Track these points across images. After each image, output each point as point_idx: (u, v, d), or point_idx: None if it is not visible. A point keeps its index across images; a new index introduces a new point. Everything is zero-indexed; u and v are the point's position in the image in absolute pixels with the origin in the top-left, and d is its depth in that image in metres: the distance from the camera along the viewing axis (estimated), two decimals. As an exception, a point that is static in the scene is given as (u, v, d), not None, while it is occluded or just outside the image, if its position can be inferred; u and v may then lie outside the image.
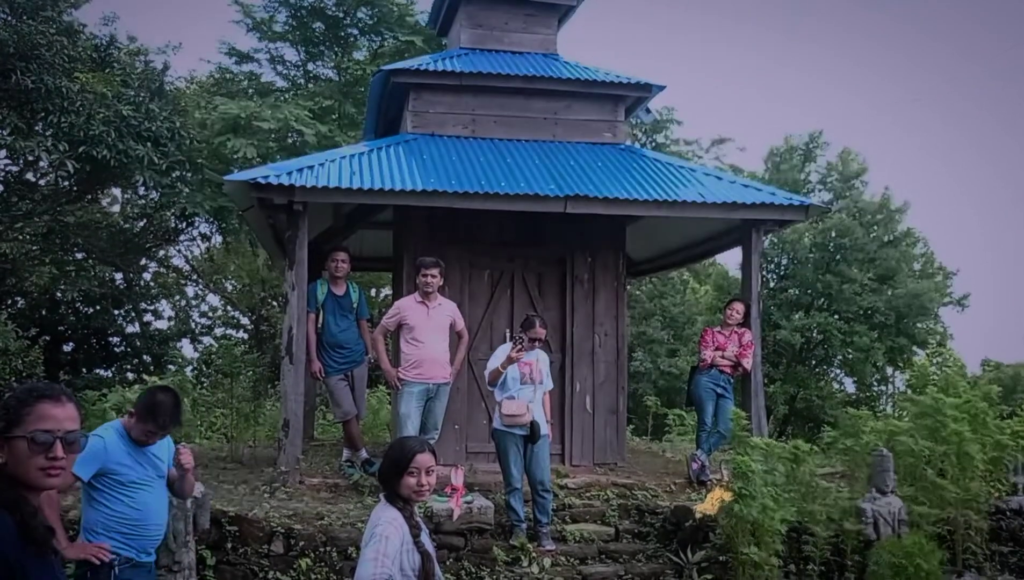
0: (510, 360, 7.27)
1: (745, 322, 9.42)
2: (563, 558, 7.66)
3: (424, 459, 3.81)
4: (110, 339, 22.42)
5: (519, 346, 7.24)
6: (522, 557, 7.56)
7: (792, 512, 7.51)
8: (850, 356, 21.09)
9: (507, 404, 7.35)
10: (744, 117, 63.77)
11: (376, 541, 3.62)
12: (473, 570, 7.33)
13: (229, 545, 6.90)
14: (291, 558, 6.98)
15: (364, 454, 8.97)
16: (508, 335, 9.89)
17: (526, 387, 7.47)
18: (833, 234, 21.01)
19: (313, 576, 6.93)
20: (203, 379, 21.16)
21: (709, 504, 7.73)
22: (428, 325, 8.13)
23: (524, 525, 7.55)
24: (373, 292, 22.78)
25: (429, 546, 3.80)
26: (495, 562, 7.42)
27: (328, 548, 7.05)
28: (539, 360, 7.62)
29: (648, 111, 11.24)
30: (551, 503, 7.74)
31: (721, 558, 7.14)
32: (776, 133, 41.19)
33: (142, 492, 4.77)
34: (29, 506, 2.53)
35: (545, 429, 7.64)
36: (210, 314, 26.26)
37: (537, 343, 7.48)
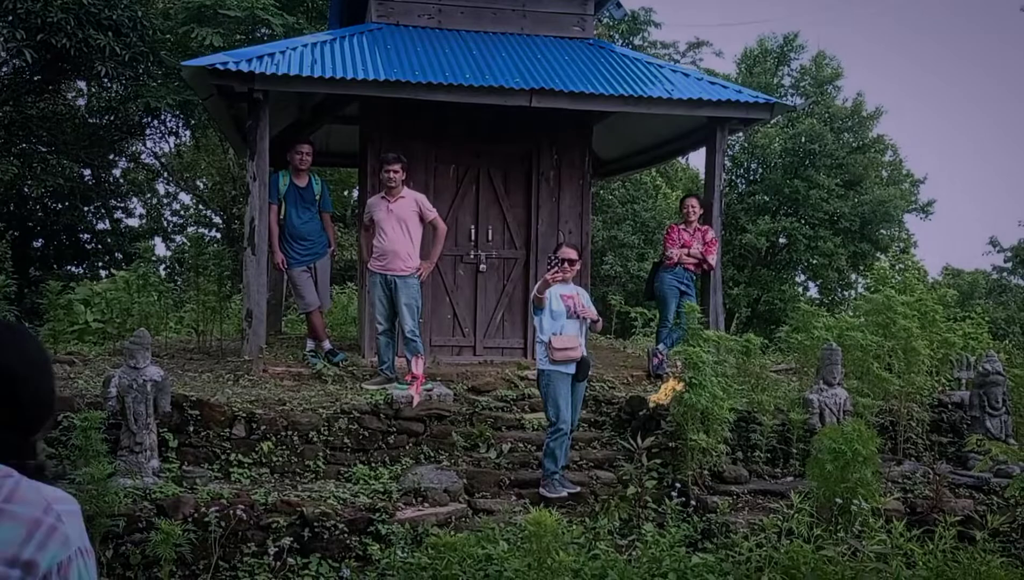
0: (545, 283, 7.03)
1: (707, 220, 9.54)
2: (521, 445, 7.89)
3: None
4: (80, 236, 22.28)
5: (553, 268, 7.00)
6: (480, 444, 7.80)
7: (741, 402, 7.78)
8: (814, 261, 21.40)
9: (557, 339, 7.01)
10: (726, 17, 62.71)
11: None
12: (432, 454, 7.56)
13: (191, 428, 7.05)
14: (252, 441, 7.14)
15: (328, 345, 9.12)
16: (473, 233, 9.96)
17: (572, 321, 7.17)
18: (803, 140, 21.01)
19: (274, 459, 7.11)
20: (176, 278, 21.15)
21: (662, 394, 7.96)
22: (389, 219, 8.21)
23: (560, 476, 7.16)
24: (345, 192, 22.66)
25: None
26: (454, 447, 7.65)
27: (290, 432, 7.22)
28: (579, 294, 7.40)
29: (619, 5, 11.07)
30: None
31: (671, 444, 7.39)
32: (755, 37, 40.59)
33: None
34: None
35: (592, 367, 7.35)
36: (182, 212, 26.09)
37: (570, 266, 7.21)
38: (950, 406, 8.78)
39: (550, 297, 7.12)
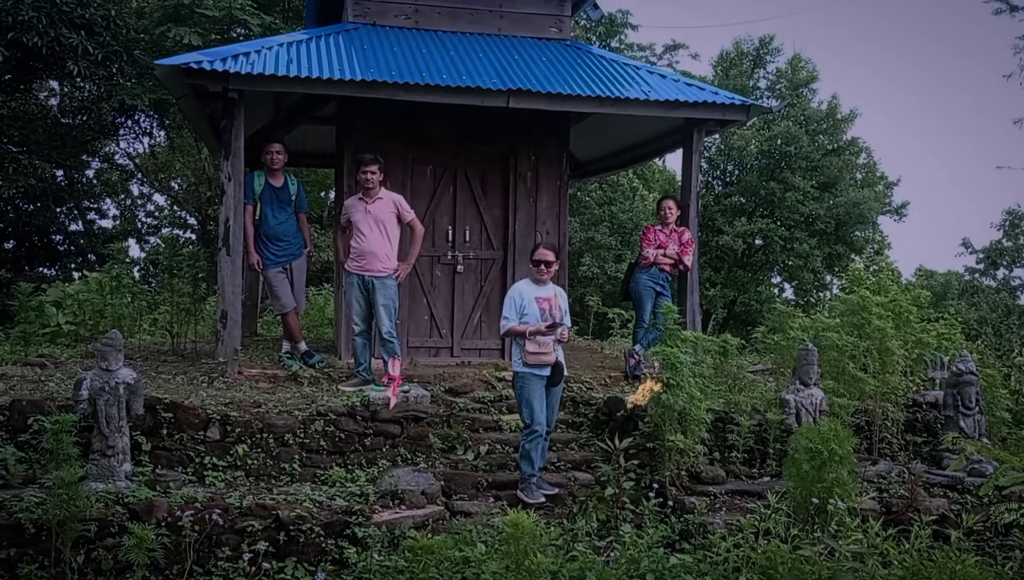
0: (538, 332, 6.92)
1: (683, 221, 9.57)
2: (499, 446, 7.86)
3: None
4: (53, 237, 22.01)
5: (549, 326, 6.91)
6: (458, 446, 7.76)
7: (719, 402, 7.79)
8: (790, 262, 21.55)
9: (531, 343, 6.96)
10: (703, 19, 63.05)
11: None
12: (409, 456, 7.51)
13: (164, 431, 6.95)
14: (227, 444, 7.06)
15: (303, 346, 9.05)
16: (450, 234, 9.91)
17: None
18: (779, 142, 21.15)
19: (249, 462, 7.04)
20: (150, 279, 20.93)
21: (640, 395, 7.95)
22: (367, 220, 8.20)
23: (537, 478, 7.12)
24: (322, 193, 22.53)
25: None
26: (431, 449, 7.61)
27: (265, 435, 7.15)
28: (557, 295, 7.31)
29: (596, 7, 11.07)
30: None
31: (649, 445, 7.38)
32: (731, 39, 40.83)
33: None
34: None
35: (565, 371, 7.32)
36: (157, 214, 25.84)
37: (547, 267, 7.15)
38: (924, 406, 8.86)
39: (524, 302, 7.09)
